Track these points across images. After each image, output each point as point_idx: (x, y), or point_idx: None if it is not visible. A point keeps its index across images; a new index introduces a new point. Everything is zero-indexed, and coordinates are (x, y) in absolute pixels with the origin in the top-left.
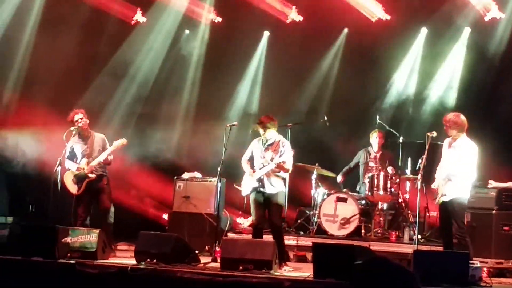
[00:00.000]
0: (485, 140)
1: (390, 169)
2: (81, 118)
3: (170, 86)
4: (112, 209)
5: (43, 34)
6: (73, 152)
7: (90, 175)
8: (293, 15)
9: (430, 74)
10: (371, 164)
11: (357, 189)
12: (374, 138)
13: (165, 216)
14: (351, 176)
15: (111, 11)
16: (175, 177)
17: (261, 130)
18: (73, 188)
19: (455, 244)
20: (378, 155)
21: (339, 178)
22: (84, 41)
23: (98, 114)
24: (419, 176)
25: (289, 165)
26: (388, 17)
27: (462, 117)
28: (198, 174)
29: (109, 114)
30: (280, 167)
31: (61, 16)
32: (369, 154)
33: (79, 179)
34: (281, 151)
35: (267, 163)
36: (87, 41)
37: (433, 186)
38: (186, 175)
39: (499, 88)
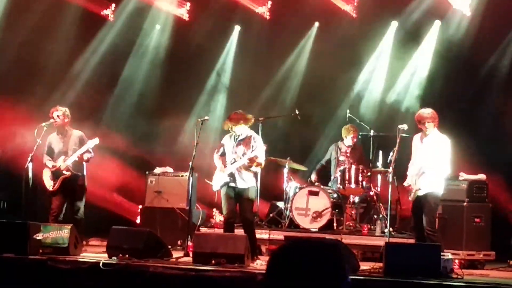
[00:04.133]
0: (455, 132)
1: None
2: (58, 116)
3: (141, 80)
4: (82, 207)
5: (10, 28)
6: (51, 149)
7: (65, 172)
8: (264, 9)
9: (400, 67)
10: (341, 158)
11: (329, 184)
12: (350, 136)
13: (137, 211)
14: (324, 172)
15: (80, 4)
16: (147, 172)
17: (231, 126)
18: (48, 184)
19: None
20: (349, 149)
21: (313, 177)
22: (53, 36)
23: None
24: (390, 169)
25: (261, 160)
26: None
27: (434, 111)
28: (169, 169)
29: (79, 108)
30: (252, 161)
31: (29, 10)
32: (340, 149)
33: (55, 175)
34: (253, 146)
35: (239, 158)
36: (56, 36)
37: (405, 184)
38: (158, 170)
39: (466, 81)
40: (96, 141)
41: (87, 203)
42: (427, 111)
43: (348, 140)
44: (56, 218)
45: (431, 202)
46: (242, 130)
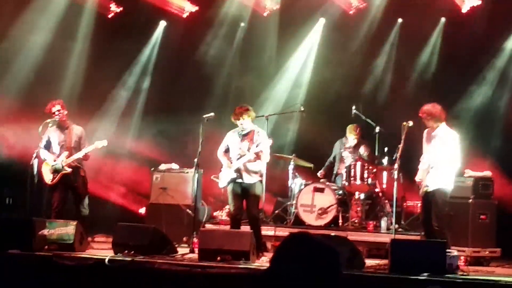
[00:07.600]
0: (461, 128)
1: (362, 150)
2: (58, 110)
3: (148, 78)
4: (87, 201)
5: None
6: (49, 142)
7: (66, 168)
8: (269, 4)
9: (406, 63)
10: (345, 154)
11: (332, 179)
12: (353, 137)
13: (143, 208)
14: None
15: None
16: (152, 169)
17: (236, 121)
18: (47, 177)
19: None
20: (353, 145)
21: (320, 172)
22: (59, 34)
23: (73, 105)
24: (396, 166)
25: (266, 154)
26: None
27: (437, 107)
28: (175, 166)
29: (84, 105)
30: (258, 156)
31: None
32: (344, 145)
33: (55, 170)
34: (257, 140)
35: (244, 153)
36: (62, 34)
37: (416, 179)
38: (163, 166)
39: (474, 77)
40: (104, 143)
41: (93, 199)
42: (425, 108)
43: (350, 140)
44: (59, 213)
45: (439, 199)
46: (247, 124)
